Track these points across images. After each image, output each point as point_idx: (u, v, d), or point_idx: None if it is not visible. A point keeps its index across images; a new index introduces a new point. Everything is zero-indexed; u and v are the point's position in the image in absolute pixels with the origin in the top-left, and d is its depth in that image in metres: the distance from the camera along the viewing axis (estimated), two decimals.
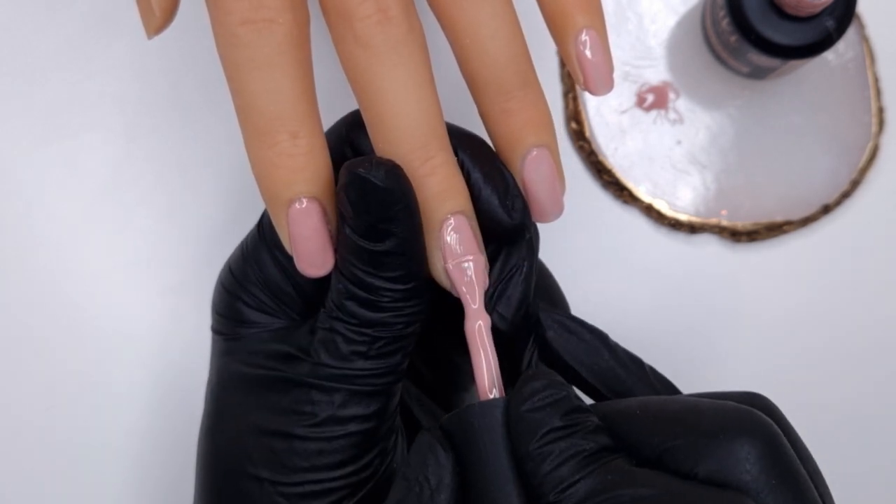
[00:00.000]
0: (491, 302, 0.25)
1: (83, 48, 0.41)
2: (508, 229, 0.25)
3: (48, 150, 0.40)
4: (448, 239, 0.24)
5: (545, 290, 0.28)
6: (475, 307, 0.24)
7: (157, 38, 0.26)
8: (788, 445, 0.22)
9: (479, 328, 0.24)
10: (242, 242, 0.28)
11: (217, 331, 0.28)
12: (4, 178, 0.40)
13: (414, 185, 0.23)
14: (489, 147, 0.25)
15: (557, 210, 0.25)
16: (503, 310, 0.25)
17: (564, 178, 0.25)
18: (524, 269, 0.25)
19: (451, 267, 0.24)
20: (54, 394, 0.39)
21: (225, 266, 0.28)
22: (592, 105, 0.41)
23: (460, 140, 0.25)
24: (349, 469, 0.25)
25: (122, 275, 0.40)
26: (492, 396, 0.24)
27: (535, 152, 0.24)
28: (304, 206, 0.23)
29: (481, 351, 0.24)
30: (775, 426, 0.22)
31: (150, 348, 0.39)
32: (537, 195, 0.25)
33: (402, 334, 0.25)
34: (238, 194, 0.40)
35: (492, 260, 0.25)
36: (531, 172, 0.25)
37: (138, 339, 0.39)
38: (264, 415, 0.25)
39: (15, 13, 0.41)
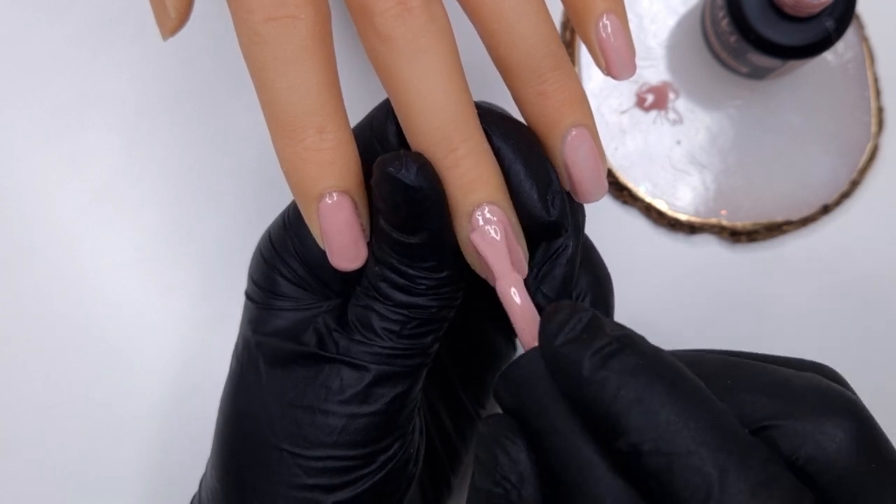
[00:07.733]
0: (535, 282, 0.25)
1: (85, 48, 0.41)
2: (545, 226, 0.24)
3: (50, 150, 0.40)
4: (478, 229, 0.23)
5: (589, 265, 0.28)
6: (502, 267, 0.23)
7: (159, 39, 0.26)
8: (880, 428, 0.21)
9: (511, 291, 0.24)
10: (284, 211, 0.27)
11: (250, 297, 0.28)
12: (6, 177, 0.40)
13: (440, 176, 0.23)
14: (533, 137, 0.25)
15: (602, 189, 0.25)
16: (548, 290, 0.25)
17: (605, 157, 0.25)
18: (569, 251, 0.25)
19: (476, 237, 0.23)
20: (55, 393, 0.39)
21: (265, 234, 0.28)
22: (592, 105, 0.41)
23: (503, 128, 0.24)
24: (369, 449, 0.25)
25: (122, 275, 0.40)
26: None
27: (574, 132, 0.24)
28: (334, 200, 0.23)
29: (518, 308, 0.24)
30: (866, 409, 0.21)
31: (149, 348, 0.39)
32: (581, 175, 0.24)
33: (436, 317, 0.25)
34: (240, 194, 0.40)
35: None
36: (572, 153, 0.24)
37: (138, 338, 0.39)
38: (291, 387, 0.25)
39: (17, 13, 0.41)
